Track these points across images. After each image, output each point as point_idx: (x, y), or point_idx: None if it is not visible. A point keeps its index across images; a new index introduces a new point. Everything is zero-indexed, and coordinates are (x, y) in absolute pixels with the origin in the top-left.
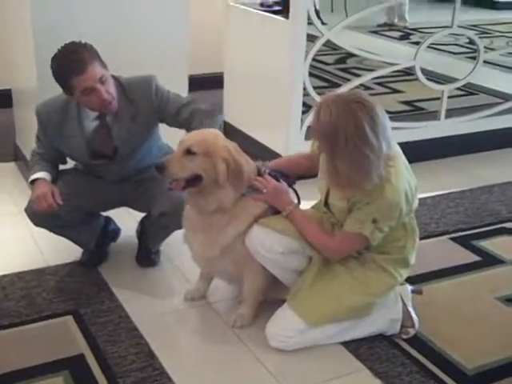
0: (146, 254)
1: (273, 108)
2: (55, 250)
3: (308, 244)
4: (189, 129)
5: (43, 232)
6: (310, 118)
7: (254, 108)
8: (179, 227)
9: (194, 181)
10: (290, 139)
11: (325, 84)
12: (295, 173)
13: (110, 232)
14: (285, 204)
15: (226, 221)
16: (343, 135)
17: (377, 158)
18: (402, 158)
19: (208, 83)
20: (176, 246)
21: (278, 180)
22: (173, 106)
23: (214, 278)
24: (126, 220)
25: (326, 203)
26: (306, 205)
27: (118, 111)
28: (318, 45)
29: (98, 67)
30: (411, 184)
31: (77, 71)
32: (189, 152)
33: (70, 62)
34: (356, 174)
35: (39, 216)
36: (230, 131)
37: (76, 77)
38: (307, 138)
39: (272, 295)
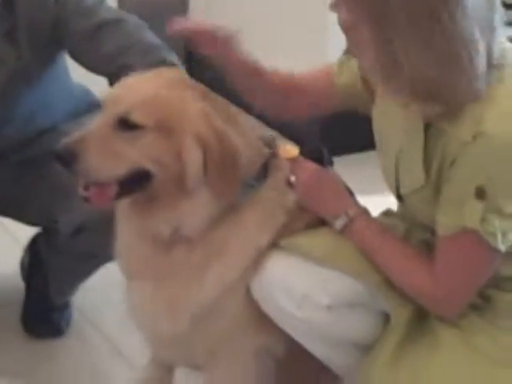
0: (44, 313)
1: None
2: None
3: (384, 286)
4: (115, 74)
5: None
6: None
7: (258, 10)
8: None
9: (135, 183)
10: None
11: None
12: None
13: None
14: (339, 207)
15: (200, 259)
16: None
17: (472, 43)
18: None
19: None
20: (103, 291)
21: (320, 162)
22: (86, 18)
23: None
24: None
25: (399, 198)
26: None
27: None
28: None
29: None
30: None
31: None
32: (126, 123)
33: None
34: (435, 63)
35: None
36: (204, 58)
37: None
38: None
39: None
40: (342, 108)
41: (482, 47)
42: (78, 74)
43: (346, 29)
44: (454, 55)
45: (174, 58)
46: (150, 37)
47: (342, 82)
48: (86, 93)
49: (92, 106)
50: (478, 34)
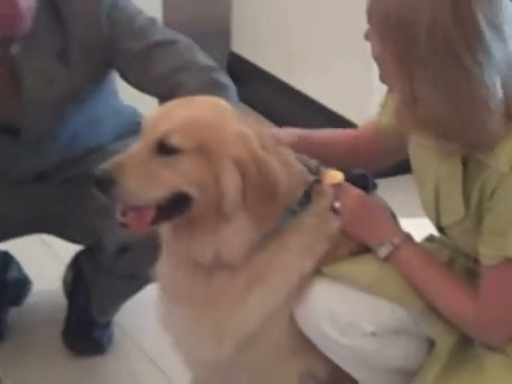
0: (85, 330)
1: (342, 23)
2: None
3: (429, 312)
4: (167, 96)
5: None
6: None
7: (302, 26)
8: None
9: (174, 207)
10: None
11: None
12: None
13: (9, 285)
14: (384, 234)
15: (242, 284)
16: (427, 24)
17: (495, 71)
18: None
19: None
20: (145, 309)
21: (365, 188)
22: (138, 39)
23: None
24: (43, 261)
25: (440, 229)
26: None
27: (32, 36)
28: None
29: None
30: None
31: None
32: (164, 147)
33: None
34: (453, 106)
35: None
36: (247, 77)
37: None
38: None
39: None
40: (396, 154)
41: (499, 93)
42: (125, 94)
43: (376, 59)
44: (471, 99)
45: (225, 78)
46: (202, 58)
47: (384, 122)
48: (134, 113)
49: (140, 126)
50: (498, 81)
